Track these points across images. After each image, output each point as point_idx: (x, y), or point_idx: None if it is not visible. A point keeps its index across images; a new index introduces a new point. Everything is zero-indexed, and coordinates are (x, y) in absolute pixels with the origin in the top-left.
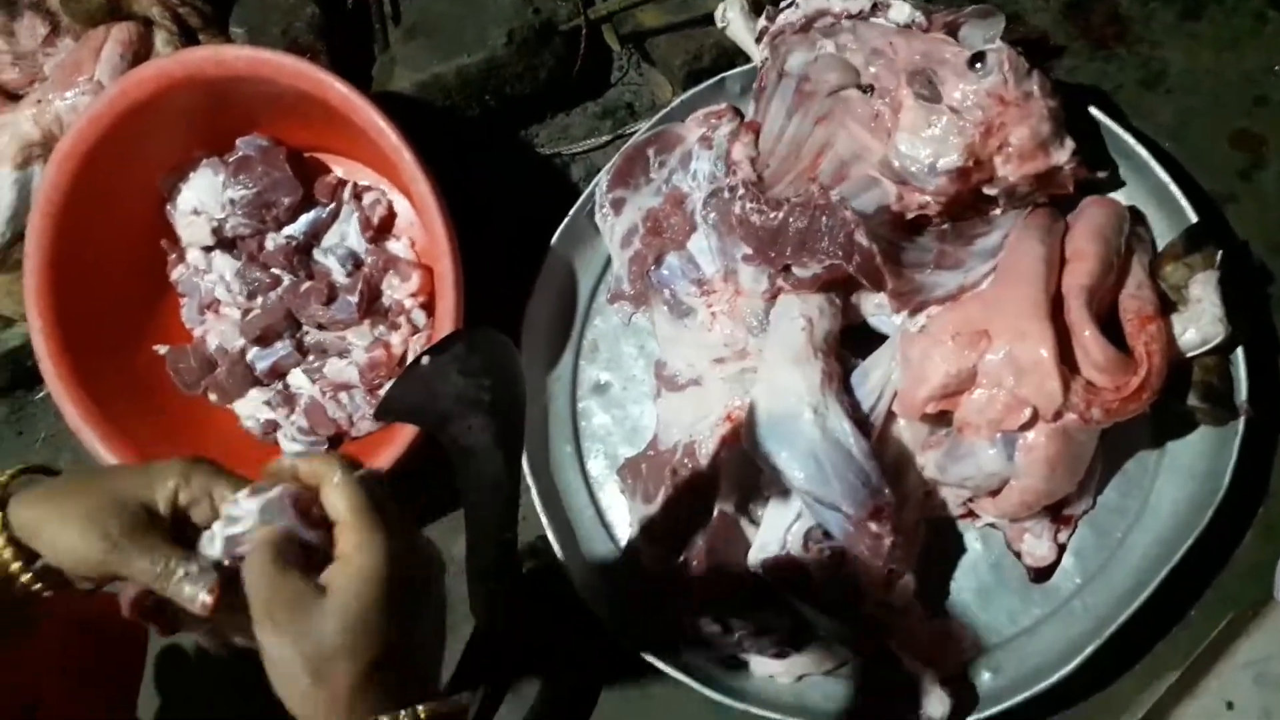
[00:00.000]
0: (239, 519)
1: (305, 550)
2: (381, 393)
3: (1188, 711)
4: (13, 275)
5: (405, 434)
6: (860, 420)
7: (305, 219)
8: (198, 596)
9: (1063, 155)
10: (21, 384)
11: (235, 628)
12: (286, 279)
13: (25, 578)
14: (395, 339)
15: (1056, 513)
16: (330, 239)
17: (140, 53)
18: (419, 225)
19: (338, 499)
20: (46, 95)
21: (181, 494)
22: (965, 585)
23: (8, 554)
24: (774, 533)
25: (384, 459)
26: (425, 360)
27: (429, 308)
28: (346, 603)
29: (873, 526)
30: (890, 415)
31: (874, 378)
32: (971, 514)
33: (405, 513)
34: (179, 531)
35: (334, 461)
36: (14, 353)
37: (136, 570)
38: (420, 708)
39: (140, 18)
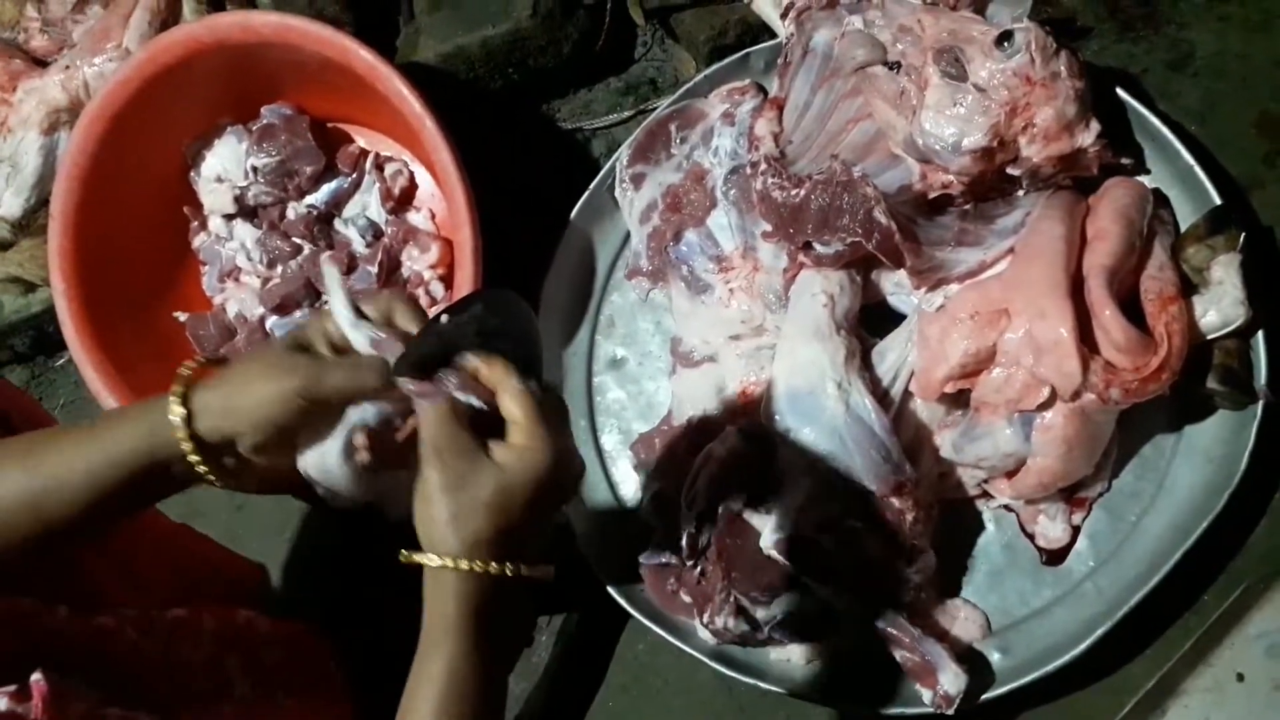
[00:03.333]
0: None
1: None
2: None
3: (1199, 682)
4: (37, 240)
5: None
6: (880, 397)
7: (327, 188)
8: (373, 375)
9: (1088, 137)
10: (42, 350)
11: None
12: (307, 248)
13: (200, 467)
14: None
15: (1071, 495)
16: (351, 209)
17: (168, 20)
18: (439, 197)
19: (514, 405)
20: (75, 61)
21: (330, 334)
22: (978, 566)
23: (188, 447)
24: (788, 513)
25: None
26: (444, 319)
27: (448, 280)
28: (509, 479)
29: (895, 502)
30: (907, 395)
31: (890, 358)
32: (986, 495)
33: (565, 427)
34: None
35: (513, 370)
36: (36, 318)
37: (331, 382)
38: (522, 565)
39: None
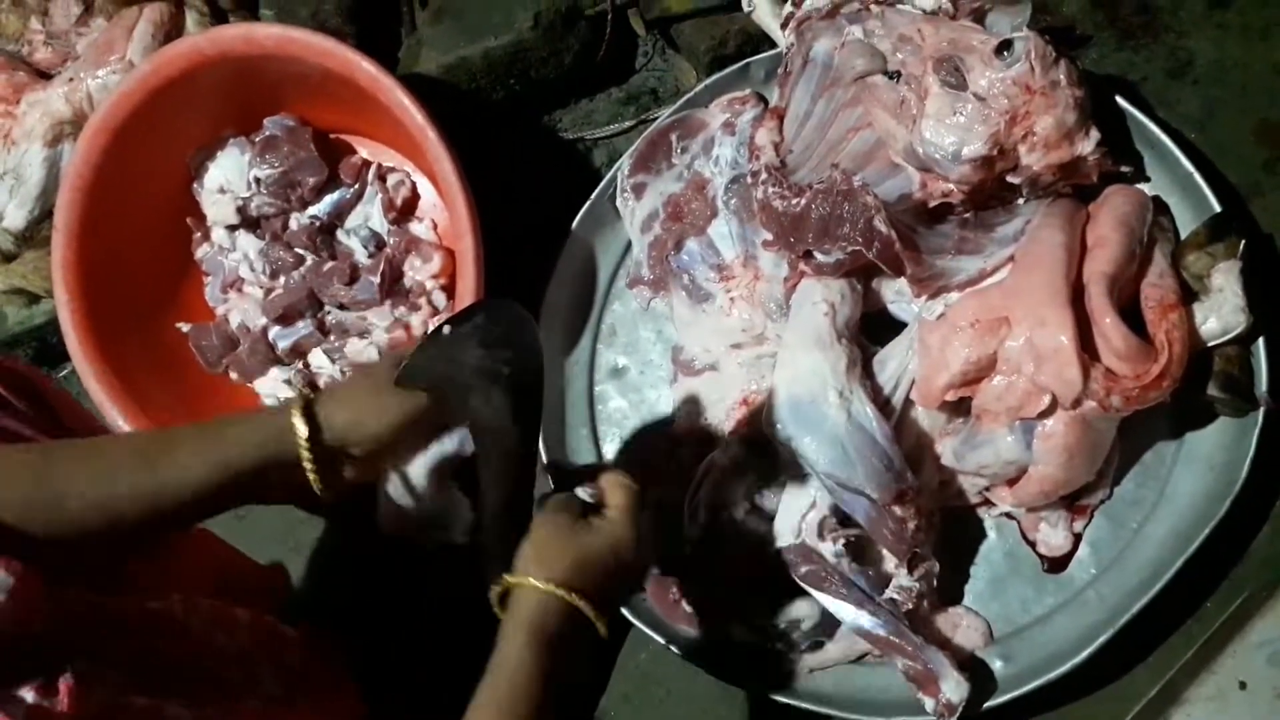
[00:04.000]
0: None
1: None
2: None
3: (1201, 690)
4: (41, 251)
5: None
6: (882, 405)
7: (329, 199)
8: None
9: (1088, 145)
10: (46, 361)
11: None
12: (309, 259)
13: (315, 481)
14: (416, 320)
15: (1072, 503)
16: (354, 219)
17: (172, 33)
18: (441, 208)
19: (618, 492)
20: (78, 74)
21: None
22: (979, 574)
23: (308, 457)
24: (790, 521)
25: None
26: (446, 329)
27: (450, 289)
28: (604, 539)
29: (897, 510)
30: (908, 403)
31: (891, 366)
32: (987, 503)
33: (645, 511)
34: None
35: (625, 475)
36: (39, 329)
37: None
38: (595, 609)
39: None
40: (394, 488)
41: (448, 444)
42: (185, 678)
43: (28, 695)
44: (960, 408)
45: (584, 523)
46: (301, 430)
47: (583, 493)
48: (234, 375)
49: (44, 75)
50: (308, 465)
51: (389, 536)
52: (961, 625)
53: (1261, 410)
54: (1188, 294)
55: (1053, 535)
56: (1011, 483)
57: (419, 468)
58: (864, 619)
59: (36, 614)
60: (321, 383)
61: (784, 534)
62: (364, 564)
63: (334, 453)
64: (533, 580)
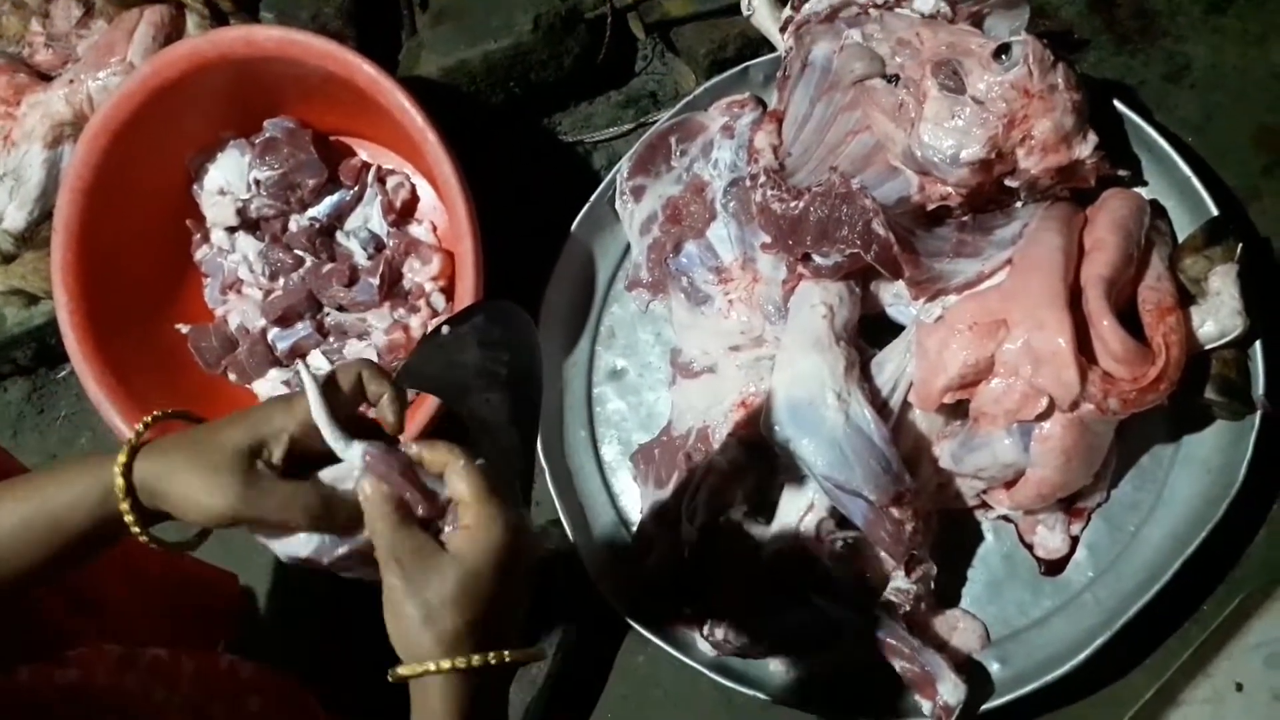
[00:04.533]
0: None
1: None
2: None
3: (1198, 692)
4: (40, 252)
5: (424, 411)
6: (880, 407)
7: (329, 201)
8: (305, 518)
9: (1086, 149)
10: (44, 362)
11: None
12: (309, 260)
13: (142, 537)
14: (415, 322)
15: (1070, 505)
16: (353, 221)
17: (172, 35)
18: (441, 210)
19: (461, 482)
20: (79, 75)
21: (293, 434)
22: (977, 576)
23: (130, 518)
24: (787, 524)
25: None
26: (445, 330)
27: (449, 291)
28: (468, 566)
29: (894, 512)
30: (906, 405)
31: (889, 368)
32: (985, 505)
33: (516, 498)
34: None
35: (456, 449)
36: (38, 330)
37: (259, 513)
38: (506, 652)
39: (173, 1)
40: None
41: (295, 545)
42: None
43: None
44: (958, 410)
45: (437, 559)
46: (119, 488)
47: (406, 490)
48: (233, 377)
49: (44, 77)
50: (130, 524)
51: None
52: (959, 628)
53: (1258, 413)
54: (1185, 297)
55: (1050, 538)
56: (1009, 485)
57: (275, 549)
58: (862, 621)
59: None
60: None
61: (782, 536)
62: (329, 600)
63: (155, 513)
64: (429, 666)
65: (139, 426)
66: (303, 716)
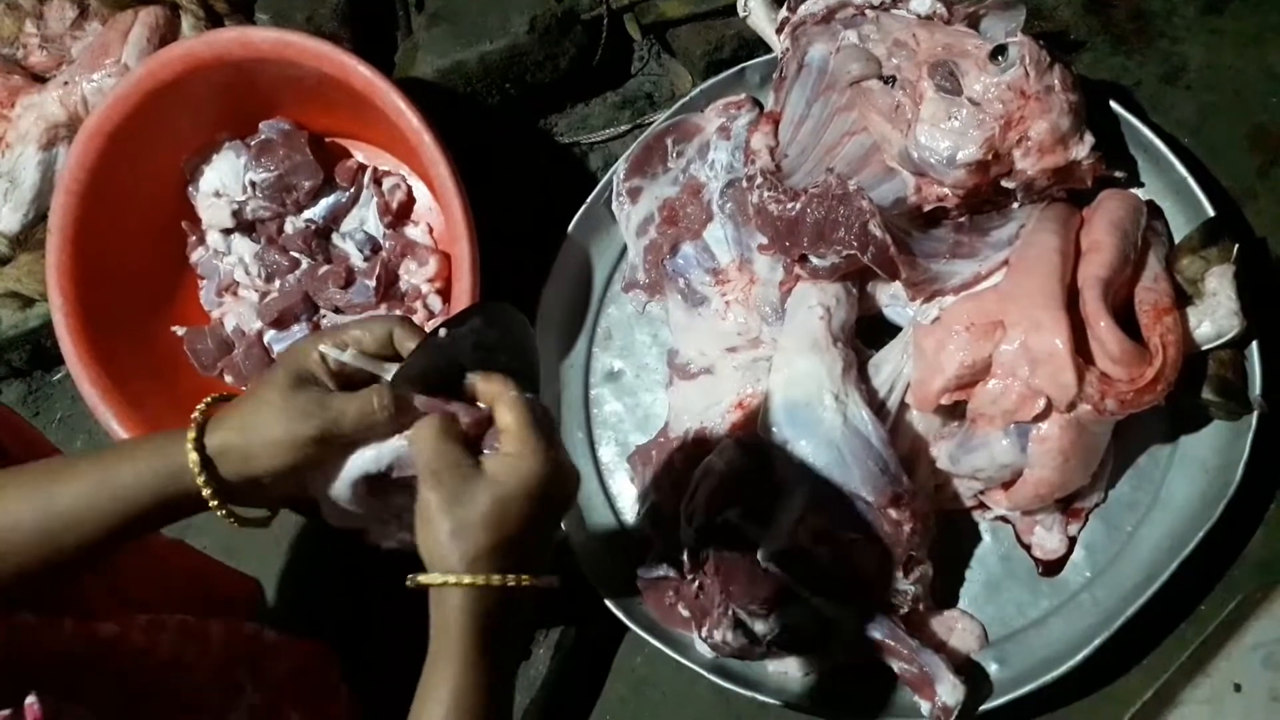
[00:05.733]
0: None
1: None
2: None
3: (1196, 693)
4: (35, 255)
5: None
6: (877, 408)
7: (325, 203)
8: (386, 414)
9: (1082, 150)
10: (39, 365)
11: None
12: (305, 262)
13: (220, 511)
14: None
15: (1067, 506)
16: (349, 223)
17: (167, 37)
18: (437, 211)
19: (508, 412)
20: (73, 77)
21: (333, 364)
22: (974, 577)
23: (208, 491)
24: (786, 525)
25: None
26: (442, 332)
27: (445, 293)
28: (503, 489)
29: (892, 513)
30: (903, 407)
31: (887, 370)
32: (982, 506)
33: (558, 438)
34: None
35: (509, 382)
36: (33, 333)
37: (346, 424)
38: (525, 577)
39: (168, 2)
40: (323, 494)
41: (360, 462)
42: (154, 706)
43: None
44: (955, 411)
45: (476, 478)
46: (196, 465)
47: (461, 414)
48: (229, 379)
49: (39, 79)
50: (210, 501)
51: (342, 531)
52: (957, 628)
53: (1255, 414)
54: (1182, 298)
55: (1048, 538)
56: (1007, 486)
57: (341, 485)
58: (860, 623)
59: None
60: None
61: (779, 537)
62: (356, 570)
63: (236, 482)
64: (450, 578)
65: (200, 407)
66: (325, 684)
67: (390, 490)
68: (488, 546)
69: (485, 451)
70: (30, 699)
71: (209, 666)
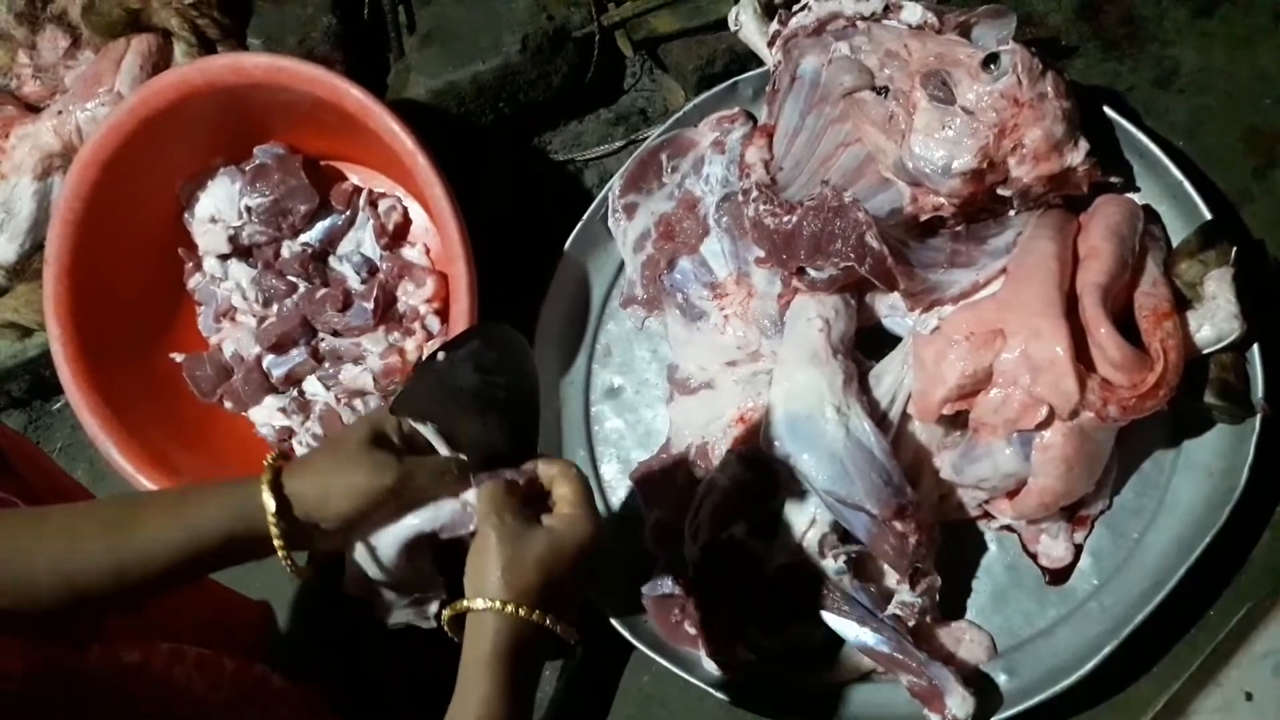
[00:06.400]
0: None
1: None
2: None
3: (1208, 702)
4: (32, 285)
5: None
6: (879, 420)
7: (321, 226)
8: (453, 478)
9: (1077, 156)
10: (39, 394)
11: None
12: (302, 286)
13: (283, 556)
14: (410, 345)
15: (1073, 514)
16: (346, 246)
17: (160, 64)
18: (433, 232)
19: (567, 486)
20: (67, 106)
21: (403, 431)
22: (981, 588)
23: (277, 534)
24: (790, 540)
25: None
26: (441, 356)
27: (443, 313)
28: (559, 539)
29: (897, 525)
30: (905, 417)
31: (887, 380)
32: (987, 516)
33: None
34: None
35: (569, 464)
36: (32, 363)
37: (418, 482)
38: (560, 622)
39: (160, 30)
40: (360, 555)
41: (417, 520)
42: None
43: None
44: (958, 421)
45: (534, 525)
46: (270, 505)
47: (515, 476)
48: (228, 405)
49: (32, 109)
50: (277, 541)
51: (354, 599)
52: (965, 640)
53: (1258, 416)
54: (1181, 302)
55: (1054, 547)
56: (1011, 495)
57: (388, 541)
58: (867, 636)
59: (13, 674)
60: (297, 448)
61: (785, 552)
62: (355, 617)
63: (303, 526)
64: (495, 605)
65: (270, 457)
66: None
67: (424, 557)
68: (535, 585)
69: (544, 516)
70: None
71: (218, 702)
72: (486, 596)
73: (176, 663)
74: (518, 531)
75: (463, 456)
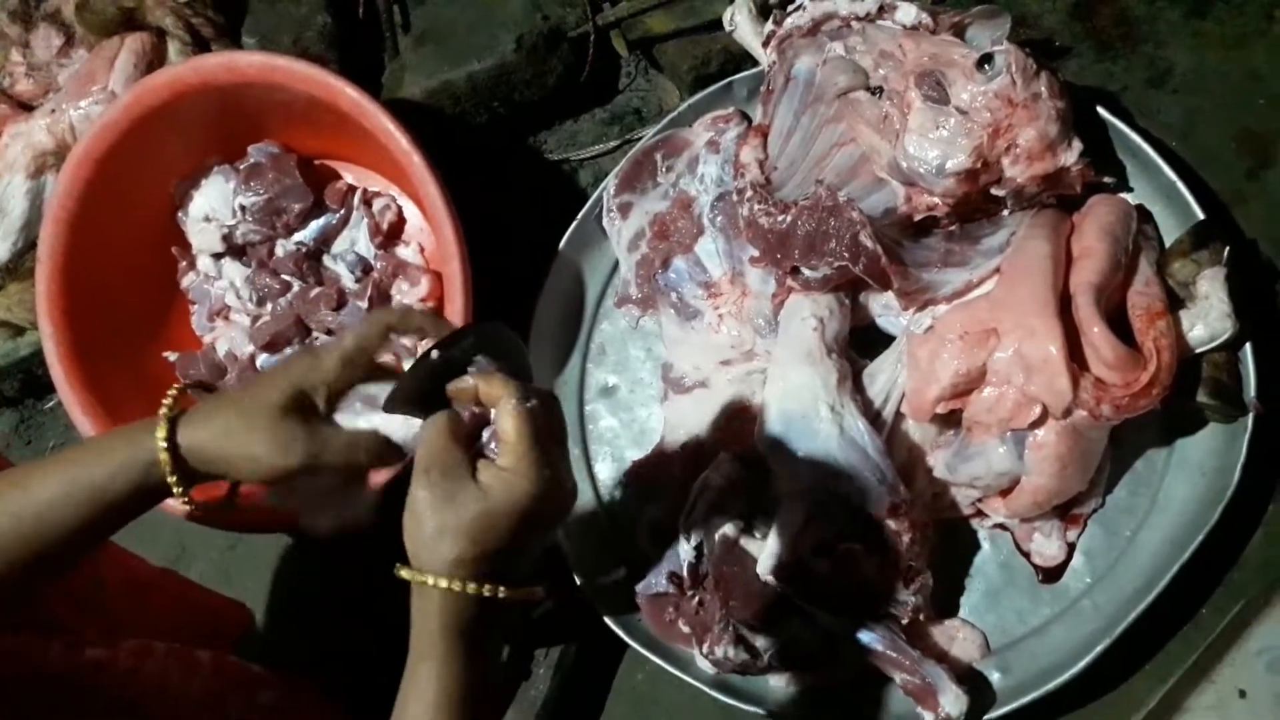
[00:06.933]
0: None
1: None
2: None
3: (1202, 699)
4: (24, 283)
5: None
6: (873, 419)
7: (315, 225)
8: (368, 457)
9: (1071, 156)
10: (31, 393)
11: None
12: (296, 285)
13: (186, 505)
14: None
15: (1066, 512)
16: (340, 245)
17: (154, 63)
18: (428, 231)
19: (508, 422)
20: (60, 105)
21: (330, 385)
22: (974, 586)
23: (177, 488)
24: (785, 538)
25: None
26: (435, 354)
27: (438, 313)
28: (491, 504)
29: (891, 523)
30: (899, 416)
31: (881, 380)
32: (981, 514)
33: (561, 450)
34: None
35: (512, 386)
36: (24, 362)
37: (328, 459)
38: (502, 589)
39: (154, 28)
40: (299, 499)
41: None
42: None
43: None
44: (951, 420)
45: (467, 486)
46: (164, 459)
47: (463, 411)
48: None
49: (25, 107)
50: (177, 491)
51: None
52: (958, 638)
53: (1251, 415)
54: (1174, 301)
55: (1047, 545)
56: (1004, 494)
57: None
58: (861, 635)
59: None
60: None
61: (779, 551)
62: (348, 598)
63: (204, 474)
64: (427, 579)
65: (168, 400)
66: (312, 710)
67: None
68: (470, 555)
69: (485, 455)
70: None
71: (196, 694)
72: (423, 568)
73: (146, 657)
74: (448, 493)
75: (381, 432)
